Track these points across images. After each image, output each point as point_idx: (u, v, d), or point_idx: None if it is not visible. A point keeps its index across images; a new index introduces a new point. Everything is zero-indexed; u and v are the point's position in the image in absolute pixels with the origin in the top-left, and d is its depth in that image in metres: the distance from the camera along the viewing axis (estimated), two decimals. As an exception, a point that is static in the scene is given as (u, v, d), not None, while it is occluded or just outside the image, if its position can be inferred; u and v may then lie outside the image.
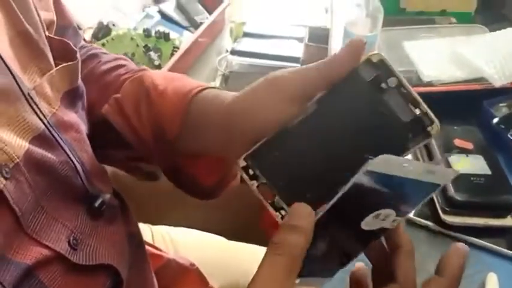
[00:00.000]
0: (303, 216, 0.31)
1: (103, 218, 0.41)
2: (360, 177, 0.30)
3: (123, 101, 0.46)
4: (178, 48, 1.14)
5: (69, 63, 0.41)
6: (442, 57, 0.80)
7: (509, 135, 0.70)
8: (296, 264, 0.30)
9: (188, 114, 0.42)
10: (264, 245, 0.79)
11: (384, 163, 0.30)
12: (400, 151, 0.34)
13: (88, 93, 0.47)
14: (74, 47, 0.43)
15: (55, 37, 0.43)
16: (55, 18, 0.46)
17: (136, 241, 0.50)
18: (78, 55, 0.43)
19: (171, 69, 1.06)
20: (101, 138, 0.46)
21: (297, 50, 1.32)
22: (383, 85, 0.35)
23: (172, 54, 1.13)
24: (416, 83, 0.79)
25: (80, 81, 0.44)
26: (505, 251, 0.58)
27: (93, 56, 0.53)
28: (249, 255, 0.74)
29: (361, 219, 0.32)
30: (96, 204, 0.40)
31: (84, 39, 0.57)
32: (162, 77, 0.46)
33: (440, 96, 0.74)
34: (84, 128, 0.44)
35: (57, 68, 0.40)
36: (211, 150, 0.42)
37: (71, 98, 0.42)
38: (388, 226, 0.34)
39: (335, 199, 0.31)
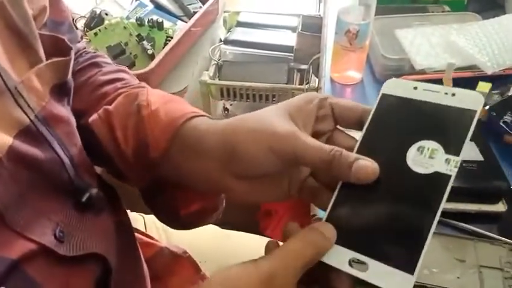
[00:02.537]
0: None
1: (90, 211, 0.41)
2: (381, 102, 0.35)
3: (112, 113, 0.44)
4: (171, 37, 1.13)
5: (60, 58, 0.41)
6: (434, 45, 0.80)
7: (501, 123, 0.71)
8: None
9: (176, 137, 0.41)
10: (256, 234, 0.80)
11: (394, 85, 0.35)
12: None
13: (81, 100, 0.47)
14: (68, 43, 0.42)
15: (45, 33, 0.42)
16: (47, 5, 0.45)
17: (125, 229, 0.50)
18: (72, 52, 0.42)
19: (164, 59, 1.05)
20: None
21: (290, 39, 1.31)
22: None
23: (165, 44, 1.12)
24: (409, 71, 0.79)
25: (69, 77, 0.43)
26: (497, 237, 0.58)
27: (94, 65, 0.53)
28: (242, 243, 0.75)
29: (404, 152, 0.33)
30: (83, 199, 0.40)
31: (82, 37, 0.57)
32: (159, 96, 0.45)
33: (433, 84, 0.74)
34: (73, 120, 0.43)
35: (47, 62, 0.39)
36: (201, 177, 0.40)
37: (59, 91, 0.42)
38: (443, 170, 0.32)
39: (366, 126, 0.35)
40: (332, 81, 0.87)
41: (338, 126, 0.39)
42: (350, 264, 0.32)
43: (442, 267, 0.54)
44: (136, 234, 0.56)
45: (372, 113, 0.36)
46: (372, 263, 0.31)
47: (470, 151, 0.64)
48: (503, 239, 0.58)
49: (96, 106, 0.46)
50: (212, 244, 0.74)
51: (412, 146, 0.33)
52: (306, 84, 1.23)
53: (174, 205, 0.46)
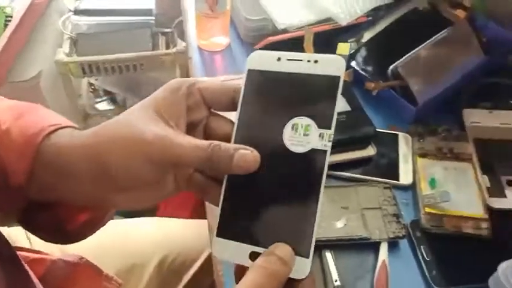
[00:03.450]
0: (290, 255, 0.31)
1: None
2: (248, 79, 0.34)
3: None
4: (11, 17, 1.00)
5: None
6: (293, 2, 0.82)
7: (360, 71, 0.76)
8: None
9: (37, 158, 0.36)
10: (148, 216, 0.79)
11: (258, 58, 0.35)
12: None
13: None
14: None
15: None
16: None
17: (6, 257, 0.45)
18: None
19: (8, 43, 0.94)
20: None
21: (148, 1, 1.25)
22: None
23: (6, 25, 0.99)
24: (273, 30, 0.80)
25: None
26: (373, 178, 0.65)
27: None
28: (140, 232, 0.73)
29: (280, 131, 0.33)
30: None
31: None
32: (7, 110, 0.39)
33: (298, 41, 0.77)
34: None
35: None
36: (76, 196, 0.36)
37: None
38: (319, 146, 0.32)
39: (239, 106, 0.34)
40: (200, 49, 0.86)
41: (213, 110, 0.38)
42: (251, 259, 0.32)
43: (331, 219, 0.59)
44: (20, 253, 0.51)
45: (241, 93, 0.35)
46: None
47: (339, 102, 0.69)
48: (377, 179, 0.65)
49: None
50: (110, 240, 0.71)
51: (286, 125, 0.33)
52: (173, 47, 1.19)
53: (57, 222, 0.42)
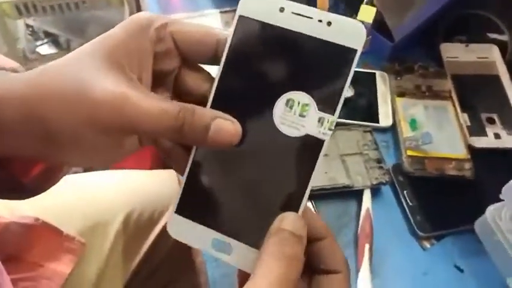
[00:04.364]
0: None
1: None
2: (238, 29, 0.26)
3: None
4: None
5: None
6: None
7: None
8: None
9: None
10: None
11: (255, 3, 0.27)
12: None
13: None
14: None
15: None
16: None
17: None
18: None
19: None
20: None
21: None
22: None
23: None
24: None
25: None
26: (351, 121, 0.61)
27: None
28: (101, 188, 0.67)
29: (271, 105, 0.26)
30: None
31: None
32: None
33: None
34: None
35: None
36: (19, 152, 0.30)
37: None
38: (315, 133, 0.26)
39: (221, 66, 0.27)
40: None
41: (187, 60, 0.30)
42: (213, 246, 0.27)
43: (311, 167, 0.55)
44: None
45: (227, 45, 0.27)
46: (235, 244, 0.27)
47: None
48: (357, 122, 0.61)
49: None
50: (65, 197, 0.65)
51: (280, 98, 0.26)
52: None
53: (10, 177, 0.36)
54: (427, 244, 0.52)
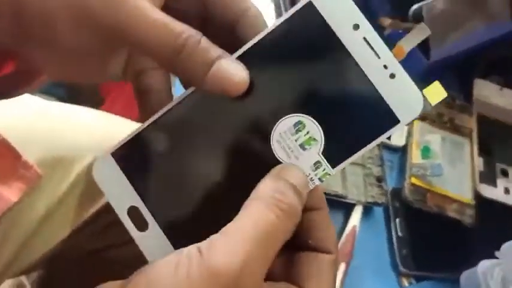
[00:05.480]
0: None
1: None
2: (296, 17, 0.22)
3: None
4: None
5: None
6: None
7: None
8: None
9: None
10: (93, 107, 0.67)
11: (337, 1, 0.22)
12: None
13: None
14: None
15: None
16: None
17: None
18: None
19: None
20: None
21: None
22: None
23: None
24: None
25: None
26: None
27: None
28: (78, 123, 0.62)
29: (278, 116, 0.22)
30: None
31: None
32: None
33: None
34: None
35: None
36: None
37: None
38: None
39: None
40: None
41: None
42: (129, 213, 0.24)
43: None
44: None
45: (278, 20, 0.22)
46: (153, 227, 0.23)
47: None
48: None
49: None
50: (37, 121, 0.59)
51: (294, 114, 0.22)
52: None
53: None
54: (405, 282, 0.48)
